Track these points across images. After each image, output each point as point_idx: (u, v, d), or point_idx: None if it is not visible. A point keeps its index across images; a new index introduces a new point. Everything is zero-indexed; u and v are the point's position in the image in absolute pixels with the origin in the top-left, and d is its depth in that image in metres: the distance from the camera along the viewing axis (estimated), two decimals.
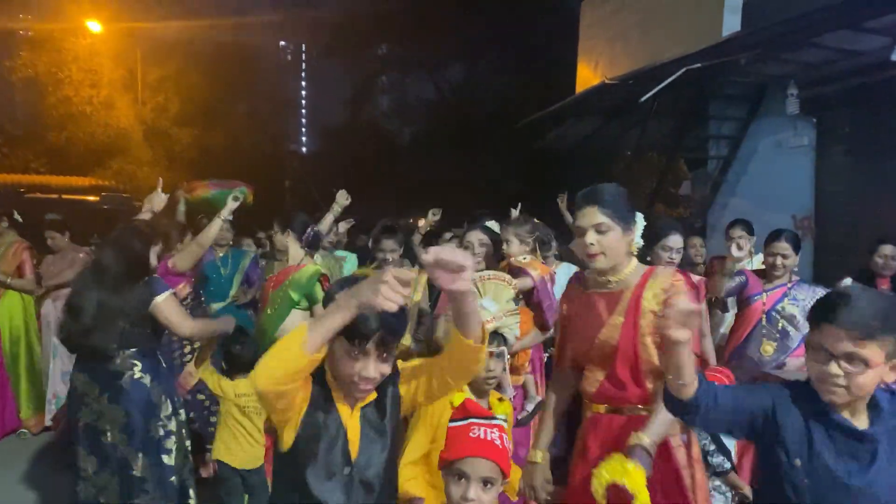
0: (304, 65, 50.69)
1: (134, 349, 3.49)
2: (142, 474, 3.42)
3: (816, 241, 8.17)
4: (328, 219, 5.48)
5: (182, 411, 3.67)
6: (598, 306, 2.50)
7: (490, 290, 2.83)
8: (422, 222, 7.28)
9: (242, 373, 3.81)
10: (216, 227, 4.64)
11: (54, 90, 20.43)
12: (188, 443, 3.69)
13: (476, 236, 5.01)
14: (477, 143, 24.79)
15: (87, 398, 3.47)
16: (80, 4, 20.03)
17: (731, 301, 4.69)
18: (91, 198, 11.20)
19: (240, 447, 3.88)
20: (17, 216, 6.74)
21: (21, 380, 6.07)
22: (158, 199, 4.81)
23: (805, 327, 3.94)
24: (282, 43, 43.30)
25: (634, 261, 2.51)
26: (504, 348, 2.64)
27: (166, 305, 3.51)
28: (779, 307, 4.20)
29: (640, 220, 2.53)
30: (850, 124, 7.72)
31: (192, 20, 22.59)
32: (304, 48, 44.56)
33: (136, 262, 3.54)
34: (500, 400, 2.72)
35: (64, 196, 11.21)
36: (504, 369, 2.70)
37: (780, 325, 4.18)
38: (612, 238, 2.40)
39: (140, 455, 3.42)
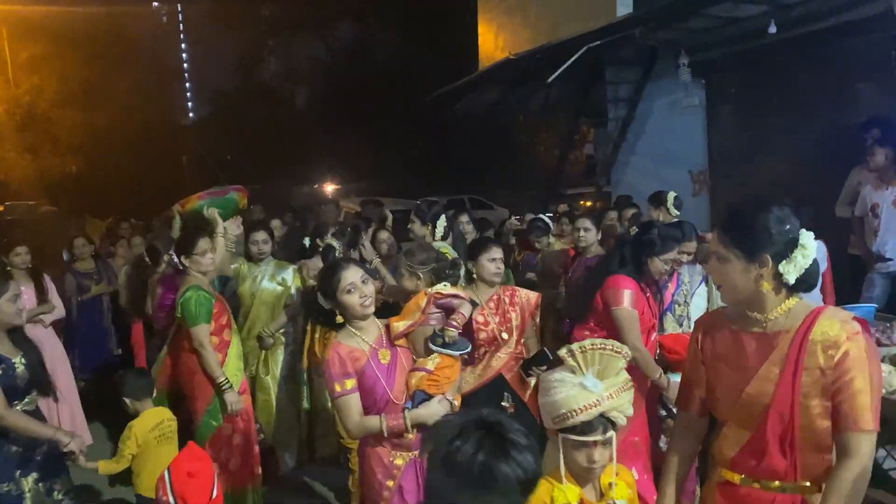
0: (181, 28, 48.17)
1: None
2: None
3: (711, 193, 8.85)
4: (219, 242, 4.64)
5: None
6: (748, 349, 2.05)
7: (595, 362, 2.12)
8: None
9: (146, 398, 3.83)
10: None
11: None
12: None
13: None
14: (376, 106, 24.73)
15: None
16: None
17: None
18: None
19: None
20: None
21: None
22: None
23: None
24: (154, 4, 41.09)
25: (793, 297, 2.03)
26: (612, 434, 2.10)
27: None
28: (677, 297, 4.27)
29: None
30: (736, 85, 8.34)
31: None
32: (180, 10, 42.49)
33: None
34: (612, 486, 2.19)
35: None
36: (611, 458, 2.12)
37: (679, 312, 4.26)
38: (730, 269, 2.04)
39: None
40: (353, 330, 2.75)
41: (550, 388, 2.10)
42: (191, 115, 39.17)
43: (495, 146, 21.73)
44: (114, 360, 6.77)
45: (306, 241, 5.31)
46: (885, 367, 3.32)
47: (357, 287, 2.69)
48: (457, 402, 2.85)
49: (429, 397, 2.71)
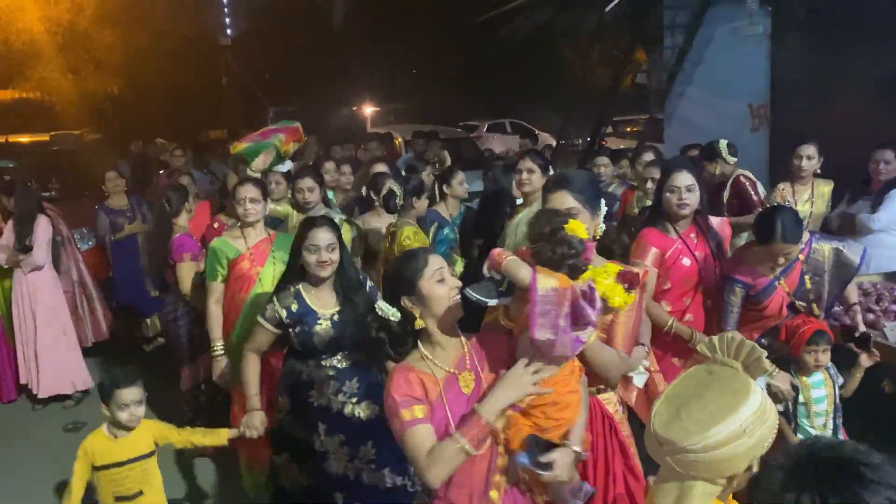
0: None
1: None
2: None
3: (773, 128, 8.42)
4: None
5: None
6: None
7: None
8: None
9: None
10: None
11: None
12: None
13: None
14: (415, 25, 24.00)
15: None
16: None
17: None
18: (40, 138, 10.58)
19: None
20: None
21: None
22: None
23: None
24: None
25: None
26: None
27: None
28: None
29: (603, 207, 2.55)
30: (805, 11, 7.78)
31: None
32: None
33: None
34: None
35: (9, 139, 10.51)
36: None
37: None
38: (580, 221, 2.23)
39: None
40: (426, 353, 2.16)
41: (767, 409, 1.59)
42: (228, 31, 38.64)
43: (540, 69, 21.03)
44: (151, 302, 6.29)
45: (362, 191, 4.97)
46: None
47: (446, 277, 2.16)
48: (586, 448, 2.28)
49: (546, 445, 2.10)
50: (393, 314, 2.12)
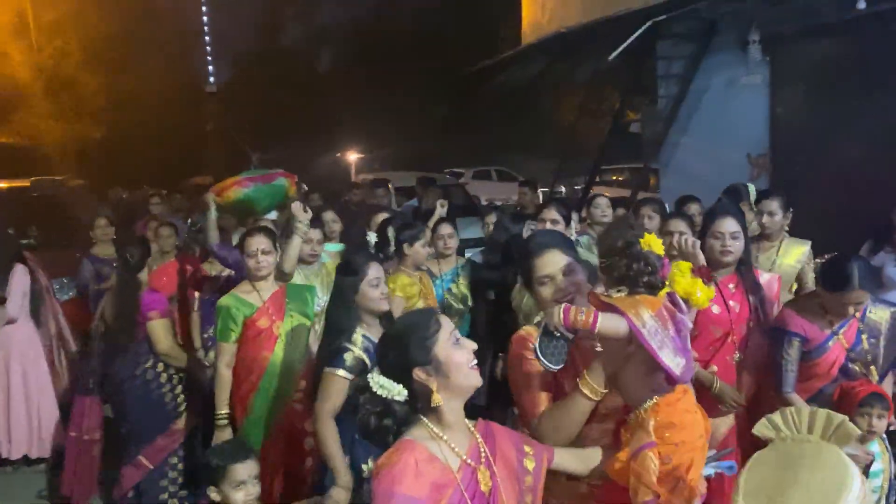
0: None
1: None
2: None
3: (772, 179, 8.34)
4: (295, 242, 3.96)
5: None
6: None
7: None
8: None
9: None
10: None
11: None
12: None
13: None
14: (401, 73, 24.11)
15: None
16: None
17: None
18: (20, 183, 10.30)
19: None
20: None
21: None
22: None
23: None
24: None
25: None
26: None
27: None
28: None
29: None
30: (807, 62, 7.77)
31: None
32: None
33: None
34: None
35: None
36: None
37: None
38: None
39: None
40: (437, 430, 1.74)
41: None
42: (212, 79, 38.71)
43: (529, 117, 21.15)
44: None
45: (371, 237, 4.62)
46: None
47: (462, 339, 1.80)
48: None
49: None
50: (398, 392, 1.70)
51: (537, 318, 2.26)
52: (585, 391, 1.92)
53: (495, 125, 22.74)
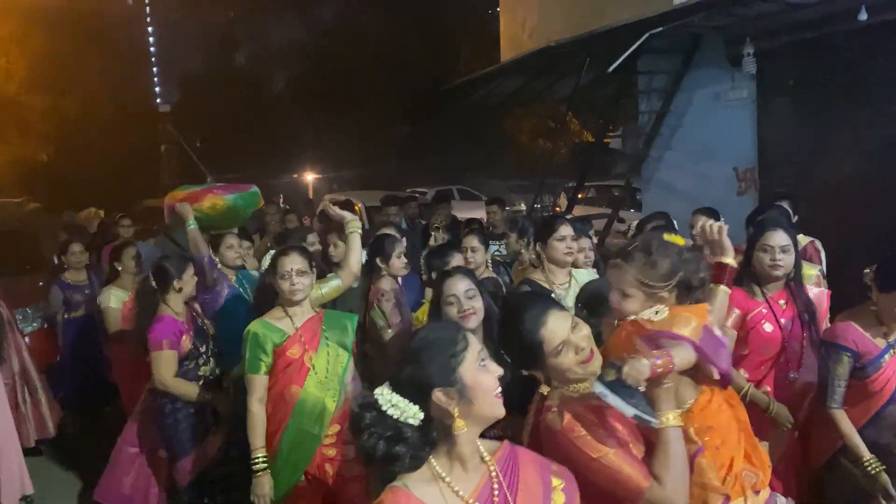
0: (148, 10, 46.61)
1: None
2: None
3: (761, 193, 8.30)
4: (355, 240, 3.78)
5: None
6: None
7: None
8: None
9: None
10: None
11: None
12: None
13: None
14: (360, 92, 23.85)
15: None
16: None
17: None
18: None
19: None
20: None
21: None
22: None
23: None
24: None
25: None
26: None
27: None
28: None
29: None
30: (795, 77, 7.75)
31: None
32: None
33: None
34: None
35: None
36: None
37: None
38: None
39: None
40: (440, 469, 1.52)
41: None
42: (159, 101, 37.79)
43: (490, 135, 21.12)
44: (106, 391, 5.73)
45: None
46: None
47: (489, 362, 1.59)
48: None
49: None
50: (413, 415, 1.47)
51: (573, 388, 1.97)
52: (675, 423, 1.83)
53: (458, 144, 22.65)
